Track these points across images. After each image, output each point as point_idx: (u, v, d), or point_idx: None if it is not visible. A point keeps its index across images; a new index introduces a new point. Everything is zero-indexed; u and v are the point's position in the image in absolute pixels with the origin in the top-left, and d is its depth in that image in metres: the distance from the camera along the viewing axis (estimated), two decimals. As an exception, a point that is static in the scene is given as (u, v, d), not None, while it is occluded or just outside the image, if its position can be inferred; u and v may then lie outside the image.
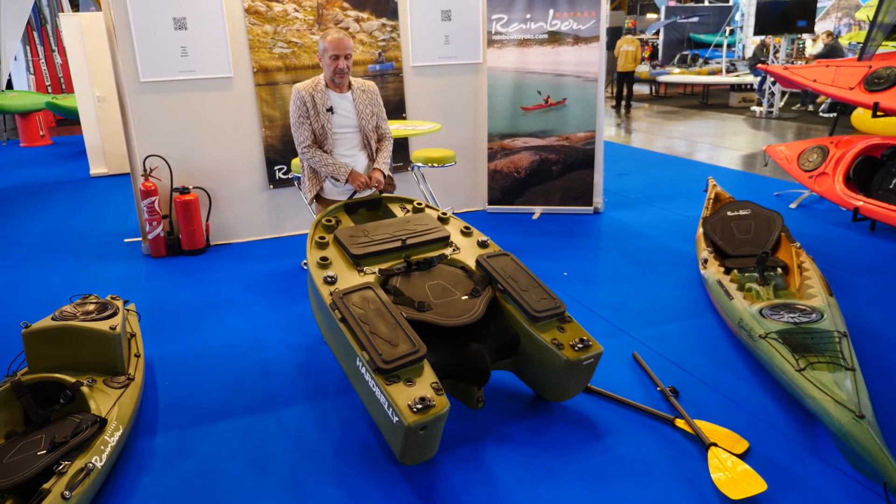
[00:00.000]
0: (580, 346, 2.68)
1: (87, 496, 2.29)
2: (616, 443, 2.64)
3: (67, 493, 2.18)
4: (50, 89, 13.37)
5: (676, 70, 16.47)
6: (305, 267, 4.76)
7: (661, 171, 7.83)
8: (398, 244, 3.02)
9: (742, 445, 2.54)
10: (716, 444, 2.49)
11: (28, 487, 2.26)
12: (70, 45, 8.18)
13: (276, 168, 5.47)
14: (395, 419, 2.28)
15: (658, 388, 3.00)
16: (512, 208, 6.05)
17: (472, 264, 3.04)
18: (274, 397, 3.11)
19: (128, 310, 3.53)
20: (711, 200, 4.80)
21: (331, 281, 2.80)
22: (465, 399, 2.81)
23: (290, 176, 5.45)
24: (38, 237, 5.91)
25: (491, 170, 6.03)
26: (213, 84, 5.15)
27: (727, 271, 3.77)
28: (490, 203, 6.08)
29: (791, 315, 3.02)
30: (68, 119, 10.56)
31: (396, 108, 5.74)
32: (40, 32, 13.93)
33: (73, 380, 2.73)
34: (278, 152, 5.44)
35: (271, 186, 5.50)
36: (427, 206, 3.42)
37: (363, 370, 2.46)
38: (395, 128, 4.84)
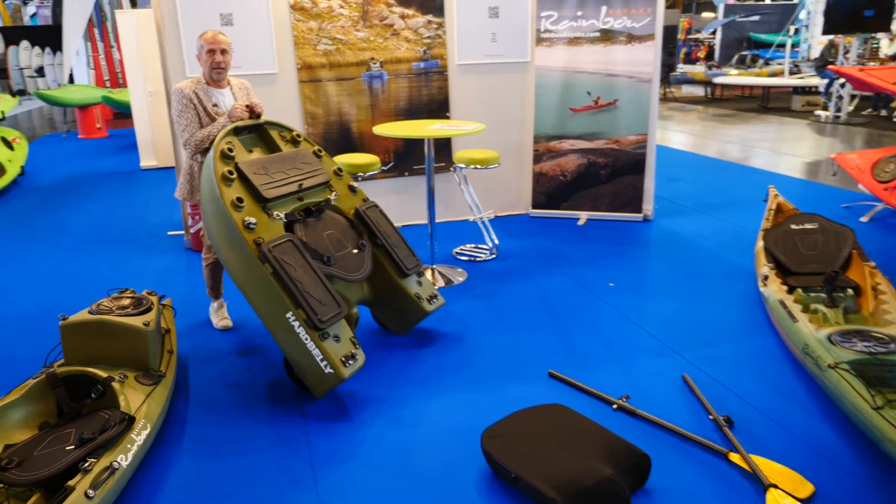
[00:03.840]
0: (434, 300, 3.51)
1: (111, 495, 2.25)
2: (662, 474, 2.44)
3: (91, 491, 2.14)
4: (108, 84, 13.72)
5: (734, 71, 15.87)
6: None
7: (715, 177, 7.48)
8: (296, 188, 3.19)
9: (806, 489, 2.30)
10: (776, 486, 2.25)
11: (55, 482, 2.24)
12: (125, 41, 8.32)
13: (317, 166, 5.39)
14: (329, 370, 2.77)
15: (710, 416, 2.78)
16: (556, 213, 5.84)
17: (349, 210, 3.45)
18: (303, 399, 3.02)
19: (164, 305, 3.50)
20: (773, 211, 4.50)
21: (251, 228, 2.88)
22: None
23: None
24: (87, 227, 5.99)
25: (536, 172, 5.83)
26: (257, 80, 5.08)
27: (790, 290, 3.49)
28: (534, 207, 5.89)
29: (865, 343, 2.74)
30: (123, 112, 10.77)
31: (440, 108, 5.60)
32: (101, 29, 14.32)
33: (104, 375, 2.70)
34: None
35: (313, 185, 5.43)
36: (304, 140, 3.55)
37: (296, 324, 2.77)
38: (438, 128, 4.69)
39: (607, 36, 5.58)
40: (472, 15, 5.51)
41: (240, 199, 2.93)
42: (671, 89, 16.49)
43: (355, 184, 3.57)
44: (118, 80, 13.77)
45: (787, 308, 3.23)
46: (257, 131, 3.47)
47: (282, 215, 3.06)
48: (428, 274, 4.44)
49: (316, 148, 3.55)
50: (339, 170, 3.56)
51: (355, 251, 3.28)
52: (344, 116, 5.38)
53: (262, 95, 5.11)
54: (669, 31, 17.32)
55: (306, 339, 2.76)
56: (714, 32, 20.47)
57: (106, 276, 4.70)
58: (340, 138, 5.39)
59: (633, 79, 5.56)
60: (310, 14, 5.13)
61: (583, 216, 5.78)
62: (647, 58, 5.50)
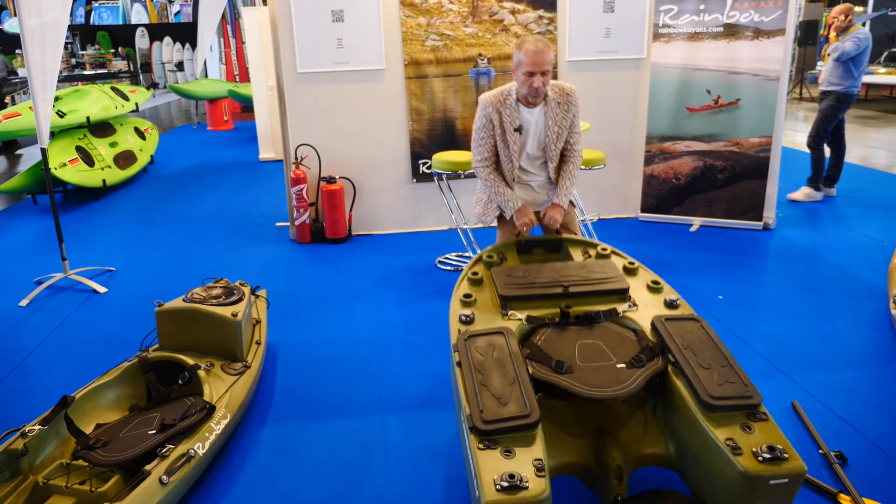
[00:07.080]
0: (767, 455, 1.82)
1: (185, 482, 2.31)
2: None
3: (165, 477, 2.20)
4: (238, 78, 14.53)
5: (882, 70, 14.42)
6: (440, 265, 4.65)
7: (853, 184, 6.79)
8: (559, 291, 2.50)
9: (929, 548, 2.00)
10: (891, 541, 1.98)
11: (135, 464, 2.32)
12: (249, 37, 8.75)
13: (420, 162, 5.41)
14: (477, 493, 1.80)
15: (820, 451, 2.50)
16: (667, 217, 5.53)
17: (646, 326, 2.38)
18: (384, 401, 3.01)
19: (257, 296, 3.60)
20: (914, 225, 4.01)
21: (465, 320, 2.39)
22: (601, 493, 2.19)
23: (431, 171, 5.37)
24: (203, 215, 6.34)
25: (647, 174, 5.54)
26: (365, 76, 5.18)
27: (927, 315, 3.10)
28: (643, 210, 5.60)
29: None
30: (248, 106, 11.36)
31: (547, 105, 5.44)
32: (233, 25, 15.20)
33: (192, 362, 2.80)
34: (424, 146, 5.37)
35: (414, 180, 5.45)
36: (614, 253, 2.86)
37: (463, 423, 2.03)
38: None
39: (731, 31, 5.20)
40: (585, 9, 5.31)
41: (467, 296, 2.52)
42: (807, 88, 15.26)
43: (677, 296, 2.55)
44: (248, 75, 14.53)
45: (924, 337, 2.85)
46: (555, 250, 2.95)
47: (521, 316, 2.43)
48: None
49: (628, 261, 2.78)
50: (656, 282, 2.64)
51: (621, 365, 2.22)
52: (449, 113, 5.35)
53: (369, 91, 5.21)
54: (810, 27, 15.99)
55: (468, 445, 1.96)
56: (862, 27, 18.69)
57: (213, 264, 4.93)
58: (444, 135, 5.37)
59: (759, 77, 5.15)
60: (419, 10, 5.14)
61: (696, 222, 5.43)
62: (776, 55, 5.06)
